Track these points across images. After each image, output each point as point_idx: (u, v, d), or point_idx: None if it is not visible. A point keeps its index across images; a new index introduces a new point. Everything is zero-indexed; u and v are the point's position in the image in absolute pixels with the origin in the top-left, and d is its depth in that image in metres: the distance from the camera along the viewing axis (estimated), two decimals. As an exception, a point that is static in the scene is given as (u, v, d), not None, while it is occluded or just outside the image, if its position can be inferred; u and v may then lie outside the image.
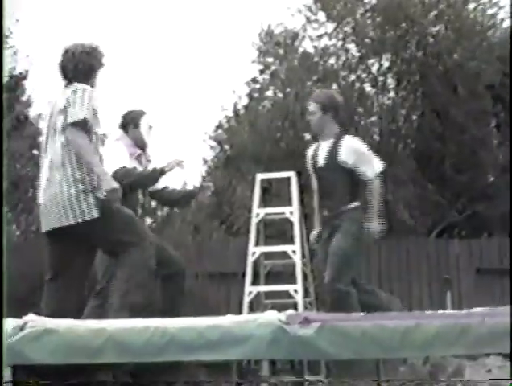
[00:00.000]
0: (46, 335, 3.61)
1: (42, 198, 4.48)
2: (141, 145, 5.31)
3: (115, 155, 5.17)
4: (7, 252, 9.43)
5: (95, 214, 4.40)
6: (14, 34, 10.46)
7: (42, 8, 18.68)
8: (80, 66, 4.56)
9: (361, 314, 4.10)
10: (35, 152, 13.45)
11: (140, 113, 5.36)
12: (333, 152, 5.54)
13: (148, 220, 15.03)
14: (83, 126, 4.37)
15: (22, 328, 3.62)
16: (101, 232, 4.42)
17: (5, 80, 10.47)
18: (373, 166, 5.47)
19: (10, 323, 3.72)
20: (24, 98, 11.33)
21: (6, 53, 10.43)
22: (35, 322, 3.66)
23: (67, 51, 4.60)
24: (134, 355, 3.58)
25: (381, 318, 3.51)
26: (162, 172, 5.20)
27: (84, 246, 4.49)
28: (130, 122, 5.31)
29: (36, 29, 17.54)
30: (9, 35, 10.34)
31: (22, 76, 10.62)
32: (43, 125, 6.09)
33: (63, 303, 4.42)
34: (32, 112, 12.58)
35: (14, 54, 10.47)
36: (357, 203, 5.50)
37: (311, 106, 5.54)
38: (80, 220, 4.38)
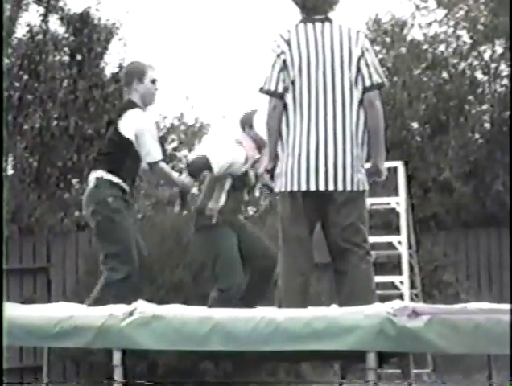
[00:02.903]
0: (154, 321, 3.65)
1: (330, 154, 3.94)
2: (261, 145, 5.13)
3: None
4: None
5: (366, 187, 4.05)
6: (124, 26, 10.64)
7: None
8: (328, 2, 4.06)
9: (475, 307, 3.98)
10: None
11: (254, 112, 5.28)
12: None
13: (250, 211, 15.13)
14: (379, 92, 4.00)
15: (131, 313, 3.67)
16: (361, 208, 4.03)
17: (113, 70, 10.66)
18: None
19: (120, 308, 3.78)
20: (132, 89, 11.48)
21: (116, 44, 10.62)
22: (143, 308, 3.70)
23: None
24: (239, 343, 3.57)
25: (495, 312, 3.40)
26: None
27: (331, 215, 4.01)
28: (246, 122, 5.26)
29: (145, 20, 17.84)
30: (119, 27, 10.53)
31: (131, 67, 10.79)
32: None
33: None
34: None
35: (124, 45, 10.65)
36: None
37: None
38: (355, 188, 3.99)
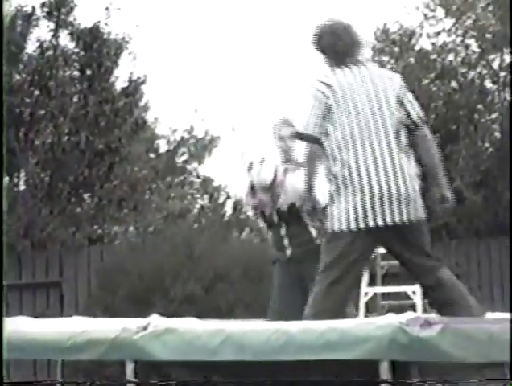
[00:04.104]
0: (166, 334, 3.67)
1: (396, 184, 4.02)
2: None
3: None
4: (127, 253, 9.66)
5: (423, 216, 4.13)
6: (134, 40, 10.70)
7: (160, 13, 19.08)
8: (356, 44, 4.22)
9: (489, 317, 3.98)
10: (152, 155, 13.76)
11: None
12: None
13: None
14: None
15: (145, 328, 3.69)
16: (424, 237, 4.15)
17: (123, 84, 10.71)
18: None
19: (134, 323, 3.81)
20: (142, 103, 11.59)
21: (126, 58, 10.68)
22: (157, 322, 3.72)
23: (337, 27, 4.20)
24: (252, 354, 3.58)
25: (508, 321, 3.39)
26: None
27: (396, 246, 4.11)
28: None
29: (155, 34, 17.95)
30: (128, 40, 10.59)
31: (141, 81, 10.85)
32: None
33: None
34: (150, 117, 12.88)
35: (134, 59, 10.72)
36: None
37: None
38: (421, 218, 4.09)
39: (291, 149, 5.19)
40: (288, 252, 5.13)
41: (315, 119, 4.05)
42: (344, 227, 4.02)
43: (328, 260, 4.08)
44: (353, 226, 4.01)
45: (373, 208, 4.00)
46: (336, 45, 4.16)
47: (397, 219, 4.01)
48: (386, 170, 4.01)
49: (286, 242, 5.15)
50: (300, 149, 5.11)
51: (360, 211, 4.01)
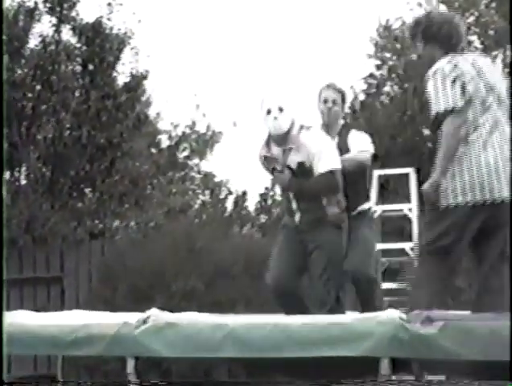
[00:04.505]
0: (167, 329, 3.66)
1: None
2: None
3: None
4: (128, 248, 9.65)
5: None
6: (136, 35, 10.69)
7: (162, 8, 19.04)
8: (463, 34, 4.41)
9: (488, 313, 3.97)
10: (154, 150, 13.75)
11: None
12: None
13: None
14: None
15: (145, 321, 3.68)
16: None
17: (126, 79, 10.71)
18: None
19: (134, 316, 3.80)
20: (144, 98, 11.57)
21: (128, 53, 10.68)
22: (157, 315, 3.71)
23: (448, 16, 4.41)
24: (253, 350, 3.58)
25: (510, 318, 3.39)
26: None
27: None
28: None
29: (157, 29, 17.93)
30: (131, 36, 10.58)
31: (143, 76, 10.84)
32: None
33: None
34: (151, 112, 12.86)
35: (136, 54, 10.71)
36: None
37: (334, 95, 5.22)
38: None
39: (334, 113, 5.17)
40: (297, 218, 4.99)
41: (458, 91, 4.13)
42: (454, 201, 4.10)
43: (439, 231, 4.12)
44: (463, 200, 4.09)
45: (482, 184, 4.09)
46: (451, 34, 4.28)
47: (498, 197, 4.09)
48: (503, 151, 4.12)
49: (294, 205, 5.01)
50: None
51: (472, 185, 4.10)
